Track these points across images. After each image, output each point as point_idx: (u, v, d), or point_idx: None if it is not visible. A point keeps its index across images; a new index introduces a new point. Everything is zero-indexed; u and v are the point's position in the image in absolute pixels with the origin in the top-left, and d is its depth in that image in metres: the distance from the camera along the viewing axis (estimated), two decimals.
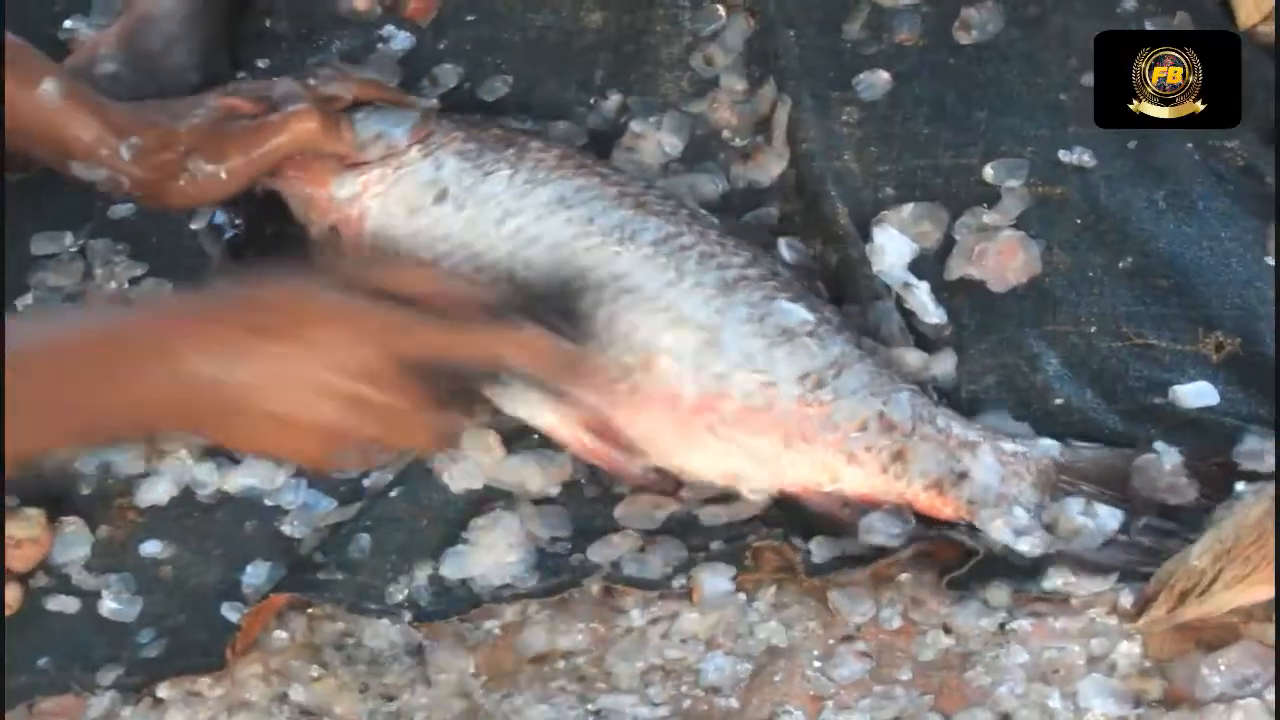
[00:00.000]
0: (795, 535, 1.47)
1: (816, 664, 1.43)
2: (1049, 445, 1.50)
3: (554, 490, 1.52)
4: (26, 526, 1.52)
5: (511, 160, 1.59)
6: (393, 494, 1.52)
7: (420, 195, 1.59)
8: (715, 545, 1.47)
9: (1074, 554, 1.43)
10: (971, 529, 1.45)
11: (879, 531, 1.45)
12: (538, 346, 1.40)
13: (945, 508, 1.47)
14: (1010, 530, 1.43)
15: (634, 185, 1.60)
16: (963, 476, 1.46)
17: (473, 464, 1.52)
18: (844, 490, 1.48)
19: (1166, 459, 1.46)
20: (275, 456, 1.52)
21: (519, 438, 1.54)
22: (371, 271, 1.40)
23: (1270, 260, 1.62)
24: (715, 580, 1.45)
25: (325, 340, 1.32)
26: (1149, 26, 1.75)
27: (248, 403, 1.31)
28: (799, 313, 1.52)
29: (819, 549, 1.46)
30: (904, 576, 1.46)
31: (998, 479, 1.46)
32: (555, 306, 1.44)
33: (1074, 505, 1.45)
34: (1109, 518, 1.45)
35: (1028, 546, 1.43)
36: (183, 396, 1.30)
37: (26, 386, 1.24)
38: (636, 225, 1.55)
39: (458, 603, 1.46)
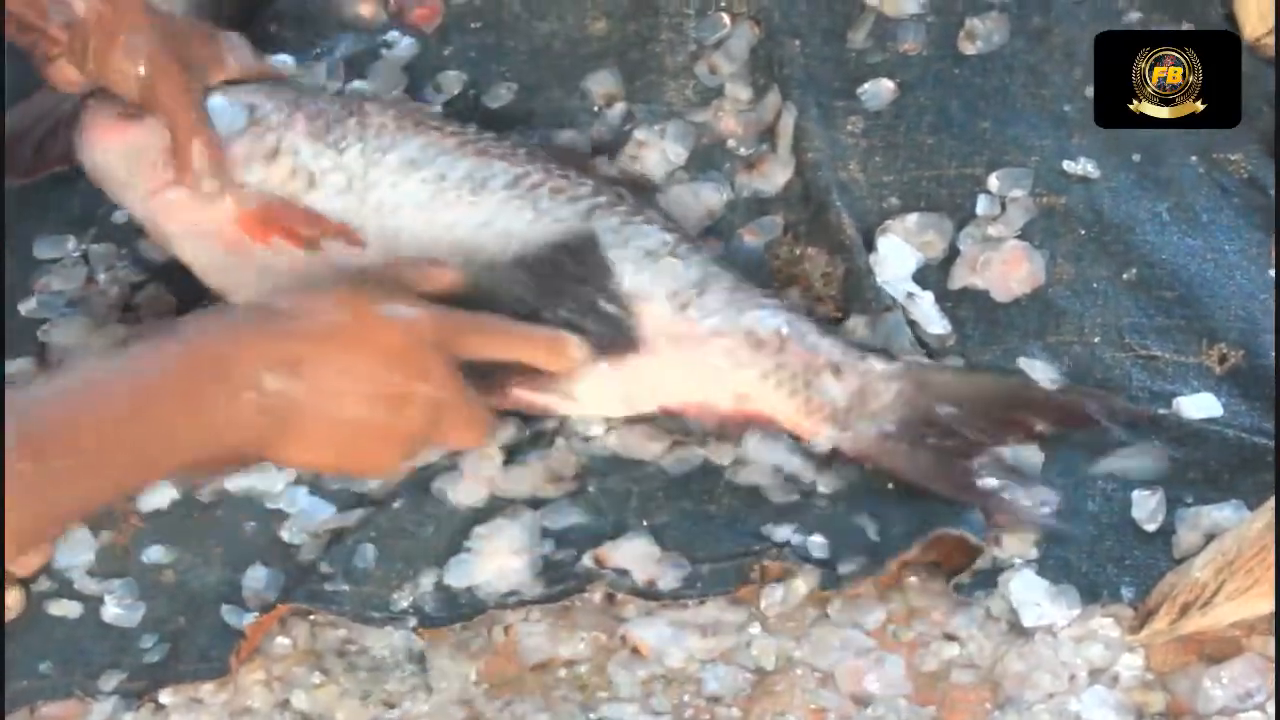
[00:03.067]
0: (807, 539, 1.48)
1: (818, 674, 1.43)
2: (917, 363, 1.53)
3: (556, 494, 1.53)
4: None
5: (357, 131, 1.59)
6: (396, 504, 1.52)
7: (293, 186, 1.59)
8: (721, 559, 1.48)
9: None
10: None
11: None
12: (546, 339, 1.43)
13: (809, 425, 1.49)
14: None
15: (468, 132, 1.62)
16: (825, 394, 1.48)
17: (475, 482, 1.52)
18: (718, 407, 1.51)
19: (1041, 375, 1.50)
20: (347, 472, 1.49)
21: (519, 447, 1.55)
22: (404, 273, 1.41)
23: (1273, 273, 1.63)
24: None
25: (387, 345, 1.32)
26: None
27: (322, 414, 1.30)
28: (657, 234, 1.54)
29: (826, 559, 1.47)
30: (911, 580, 1.46)
31: (858, 397, 1.48)
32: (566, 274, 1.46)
33: None
34: None
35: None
36: (257, 417, 1.29)
37: (106, 433, 1.23)
38: (484, 172, 1.57)
39: (463, 609, 1.46)
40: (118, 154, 1.59)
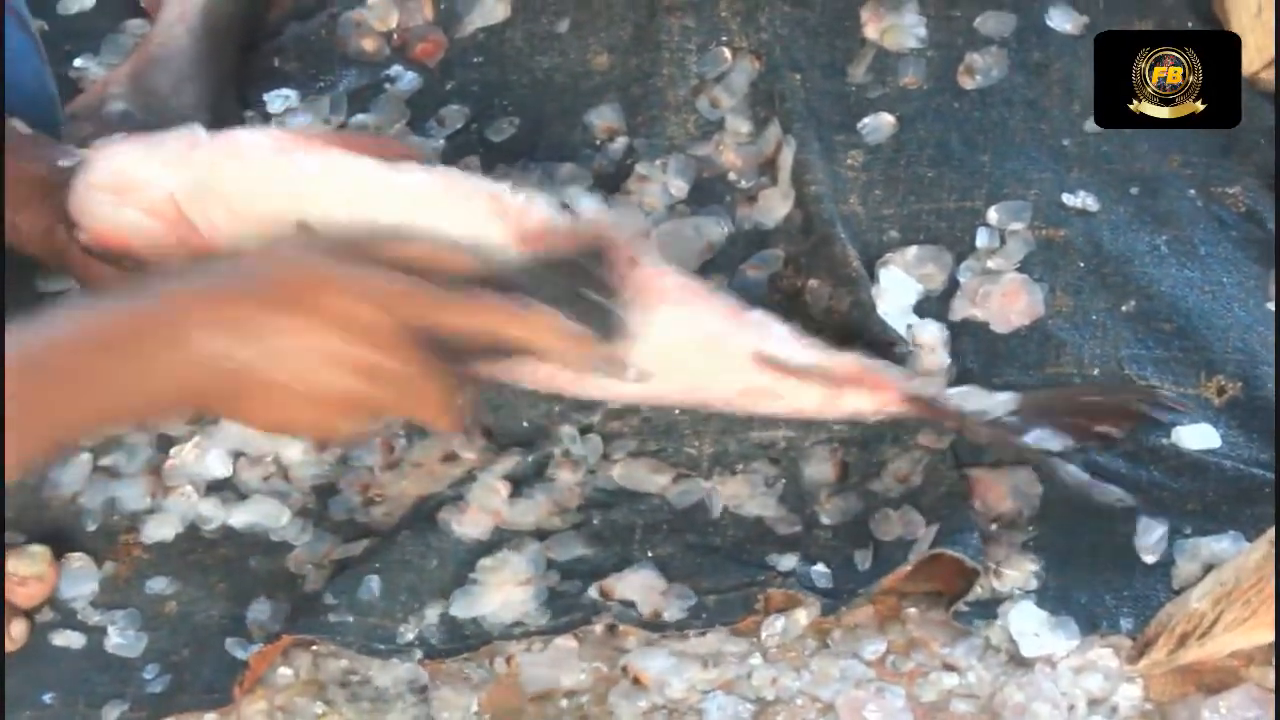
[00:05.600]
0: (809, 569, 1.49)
1: (819, 704, 1.43)
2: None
3: (561, 525, 1.53)
4: (31, 563, 1.52)
5: None
6: (401, 536, 1.52)
7: None
8: (726, 590, 1.48)
9: None
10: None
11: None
12: (544, 326, 1.38)
13: None
14: None
15: None
16: None
17: (480, 514, 1.53)
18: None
19: None
20: (290, 432, 1.50)
21: (524, 480, 1.56)
22: (374, 241, 1.38)
23: (1271, 306, 1.63)
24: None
25: (333, 308, 1.30)
26: None
27: (260, 377, 1.29)
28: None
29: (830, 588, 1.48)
30: (910, 611, 1.47)
31: None
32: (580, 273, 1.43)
33: None
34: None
35: None
36: (196, 375, 1.28)
37: (41, 379, 1.24)
38: None
39: (468, 640, 1.47)
40: None
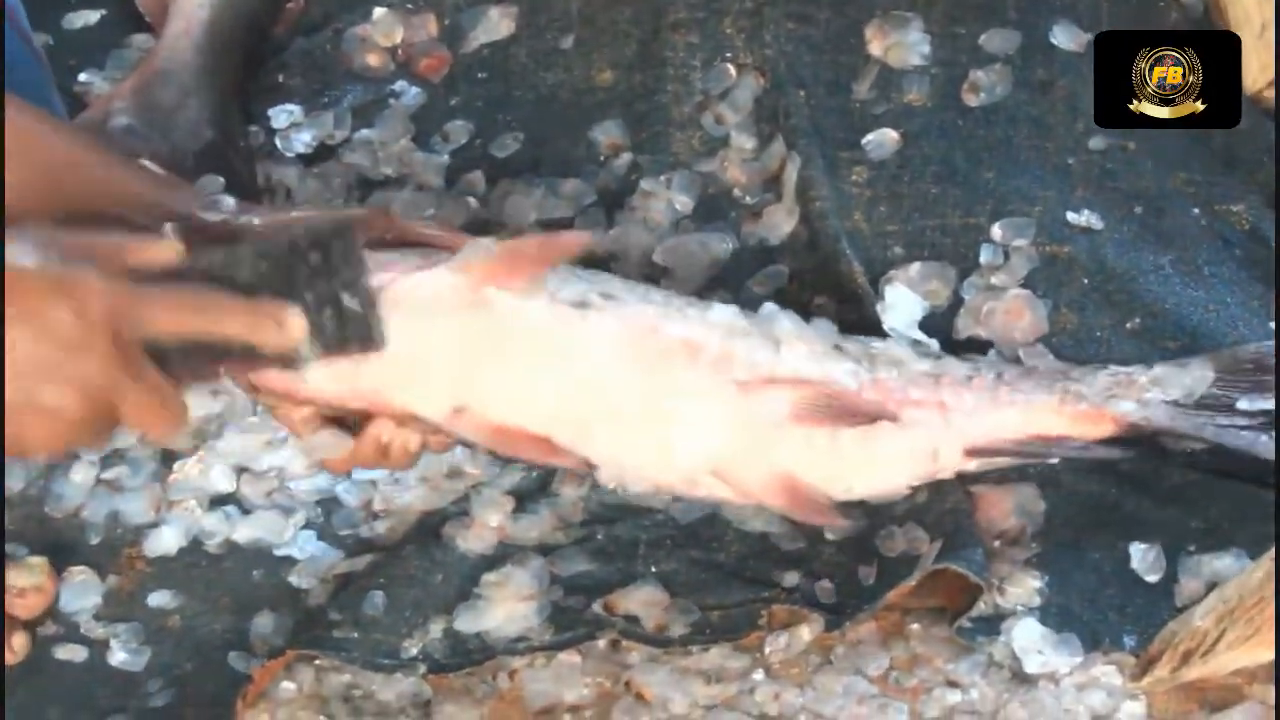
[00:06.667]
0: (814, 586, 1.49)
1: None
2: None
3: (565, 540, 1.53)
4: (30, 575, 1.52)
5: None
6: (405, 551, 1.52)
7: None
8: (730, 605, 1.48)
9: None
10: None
11: None
12: (266, 323, 1.34)
13: None
14: None
15: None
16: None
17: (485, 529, 1.53)
18: None
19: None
20: (17, 452, 1.36)
21: (529, 495, 1.56)
22: (104, 244, 1.32)
23: (1274, 325, 1.63)
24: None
25: (43, 322, 1.24)
26: None
27: None
28: None
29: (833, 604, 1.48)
30: (914, 627, 1.47)
31: None
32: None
33: None
34: None
35: None
36: None
37: None
38: None
39: (472, 655, 1.47)
40: None
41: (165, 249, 1.34)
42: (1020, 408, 1.51)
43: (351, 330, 1.37)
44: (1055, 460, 1.52)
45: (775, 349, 1.48)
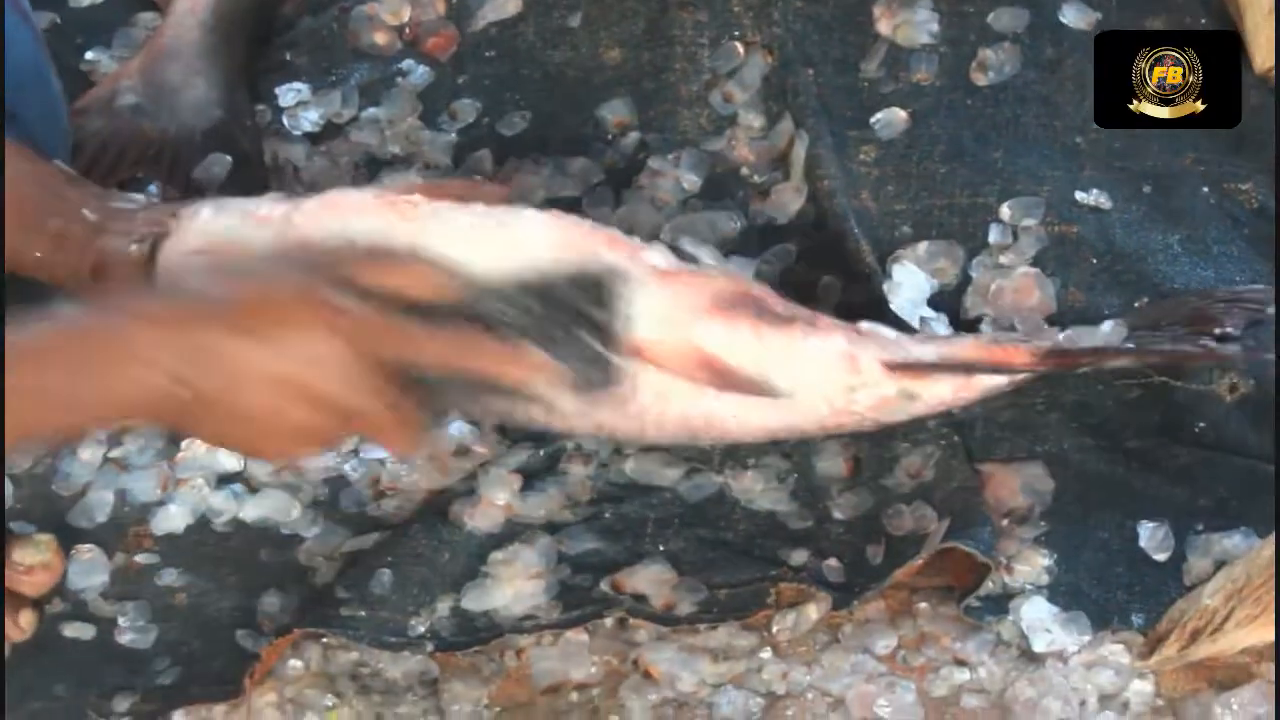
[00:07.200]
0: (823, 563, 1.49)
1: (829, 699, 1.44)
2: None
3: (572, 519, 1.53)
4: (37, 552, 1.52)
5: None
6: (412, 530, 1.52)
7: None
8: (738, 584, 1.48)
9: None
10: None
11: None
12: (523, 364, 1.40)
13: None
14: None
15: None
16: None
17: (492, 507, 1.53)
18: None
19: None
20: (247, 454, 1.53)
21: (535, 473, 1.55)
22: (354, 263, 1.38)
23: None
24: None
25: (296, 341, 1.31)
26: None
27: (217, 403, 1.30)
28: None
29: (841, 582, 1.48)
30: (921, 606, 1.47)
31: None
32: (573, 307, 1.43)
33: None
34: None
35: None
36: (152, 395, 1.28)
37: (10, 380, 1.24)
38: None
39: (480, 633, 1.47)
40: None
41: (437, 286, 1.39)
42: (937, 342, 1.51)
43: (597, 375, 1.43)
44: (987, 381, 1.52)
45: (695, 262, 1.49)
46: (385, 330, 1.34)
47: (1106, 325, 1.52)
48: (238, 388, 1.30)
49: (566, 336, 1.41)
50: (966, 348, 1.50)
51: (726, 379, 1.45)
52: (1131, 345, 1.51)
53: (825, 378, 1.47)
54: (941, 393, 1.50)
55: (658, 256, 1.45)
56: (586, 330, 1.42)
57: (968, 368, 1.49)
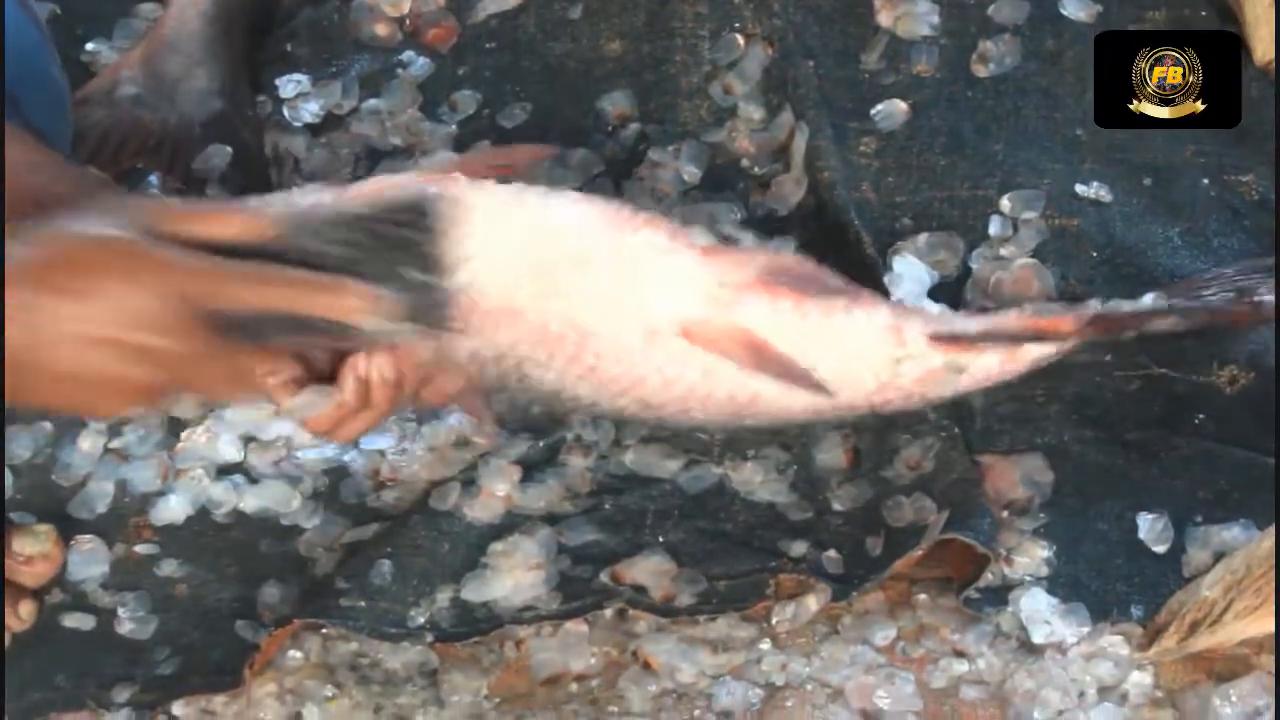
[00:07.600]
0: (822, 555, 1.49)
1: (828, 690, 1.44)
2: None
3: (572, 510, 1.53)
4: (36, 542, 1.52)
5: None
6: (412, 521, 1.52)
7: None
8: (737, 575, 1.48)
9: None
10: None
11: None
12: (343, 296, 1.34)
13: None
14: None
15: None
16: None
17: (492, 498, 1.53)
18: None
19: None
20: (72, 412, 1.49)
21: (535, 465, 1.56)
22: (175, 213, 1.34)
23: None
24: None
25: (110, 293, 1.27)
26: None
27: (34, 361, 1.27)
28: None
29: (840, 574, 1.48)
30: (921, 597, 1.47)
31: None
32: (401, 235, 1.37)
33: None
34: None
35: None
36: None
37: None
38: None
39: (479, 624, 1.47)
40: None
41: (246, 224, 1.35)
42: (980, 318, 1.49)
43: (426, 301, 1.36)
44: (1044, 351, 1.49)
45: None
46: (195, 275, 1.30)
47: (1148, 297, 1.50)
48: (53, 346, 1.26)
49: (388, 267, 1.35)
50: (1011, 319, 1.48)
51: (771, 366, 1.43)
52: (1178, 304, 1.50)
53: (870, 350, 1.45)
54: (989, 365, 1.48)
55: (700, 236, 1.44)
56: (409, 257, 1.36)
57: (1014, 338, 1.48)
